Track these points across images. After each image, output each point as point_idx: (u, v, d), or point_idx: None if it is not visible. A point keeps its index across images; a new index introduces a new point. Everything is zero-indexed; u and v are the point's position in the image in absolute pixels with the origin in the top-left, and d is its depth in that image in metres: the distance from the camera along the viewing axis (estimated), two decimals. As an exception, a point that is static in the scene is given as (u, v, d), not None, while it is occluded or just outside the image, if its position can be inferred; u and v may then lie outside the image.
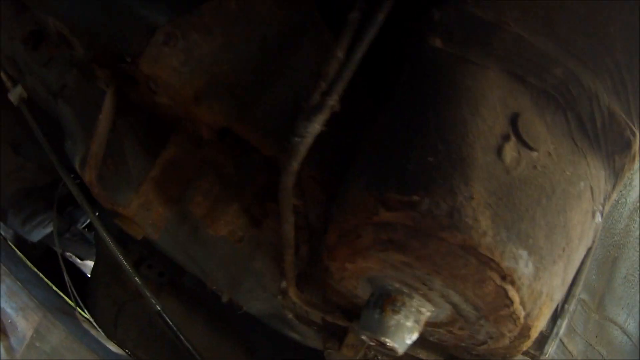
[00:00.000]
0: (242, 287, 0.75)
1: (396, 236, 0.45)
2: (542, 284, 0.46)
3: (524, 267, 0.45)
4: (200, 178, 0.58)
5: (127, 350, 1.02)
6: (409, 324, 0.45)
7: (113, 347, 0.96)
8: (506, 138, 0.47)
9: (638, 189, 0.83)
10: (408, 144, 0.45)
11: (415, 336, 0.46)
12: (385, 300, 0.48)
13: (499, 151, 0.46)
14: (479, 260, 0.43)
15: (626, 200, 0.84)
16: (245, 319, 1.10)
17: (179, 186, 0.63)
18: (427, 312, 0.49)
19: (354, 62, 0.48)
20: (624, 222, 0.85)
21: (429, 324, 0.50)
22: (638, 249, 0.87)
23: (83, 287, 1.16)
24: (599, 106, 0.50)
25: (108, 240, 0.88)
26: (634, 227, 0.86)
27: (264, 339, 1.11)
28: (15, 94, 0.90)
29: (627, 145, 0.52)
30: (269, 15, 0.56)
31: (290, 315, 0.74)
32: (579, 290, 0.65)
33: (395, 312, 0.47)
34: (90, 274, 1.23)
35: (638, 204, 0.83)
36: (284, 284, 0.69)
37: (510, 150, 0.47)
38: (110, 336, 1.03)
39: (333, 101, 0.46)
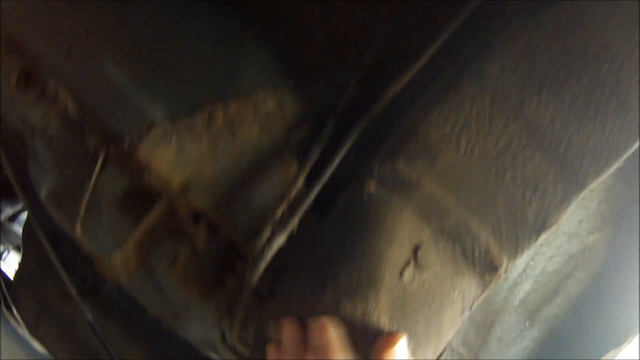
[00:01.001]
0: (182, 320, 1.00)
1: None
2: (417, 357, 0.80)
3: (407, 349, 0.80)
4: (177, 246, 0.84)
5: (47, 350, 1.26)
6: None
7: (37, 346, 1.18)
8: (408, 263, 0.76)
9: (519, 269, 1.21)
10: (341, 263, 0.75)
11: None
12: None
13: (401, 273, 0.76)
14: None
15: (508, 277, 1.21)
16: (157, 331, 1.37)
17: (152, 244, 0.89)
18: None
19: (312, 195, 0.77)
20: (503, 295, 1.21)
21: None
22: (513, 316, 1.26)
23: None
24: (479, 244, 0.81)
25: (44, 239, 1.11)
26: (511, 298, 1.24)
27: (173, 352, 1.38)
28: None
29: (495, 269, 0.83)
30: (248, 136, 0.81)
31: (221, 347, 1.06)
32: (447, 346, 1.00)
33: None
34: (17, 270, 1.43)
35: (517, 281, 1.22)
36: (224, 326, 1.00)
37: (409, 272, 0.77)
38: (31, 333, 1.26)
39: (293, 225, 0.77)
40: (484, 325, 1.22)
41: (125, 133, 0.81)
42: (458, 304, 0.84)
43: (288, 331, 0.75)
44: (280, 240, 0.76)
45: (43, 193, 0.97)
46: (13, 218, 1.91)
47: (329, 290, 0.76)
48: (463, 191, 0.80)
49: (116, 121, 0.82)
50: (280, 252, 0.82)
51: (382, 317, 0.76)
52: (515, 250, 0.85)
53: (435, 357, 0.87)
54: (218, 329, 0.99)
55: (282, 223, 0.76)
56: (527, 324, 1.26)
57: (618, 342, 1.26)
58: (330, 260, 0.78)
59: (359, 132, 0.80)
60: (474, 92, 0.76)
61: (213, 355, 1.11)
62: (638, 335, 1.26)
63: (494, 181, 0.79)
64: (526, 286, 1.23)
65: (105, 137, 0.84)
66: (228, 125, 0.82)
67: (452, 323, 0.85)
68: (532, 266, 1.21)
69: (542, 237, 0.85)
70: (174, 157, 0.81)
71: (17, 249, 2.01)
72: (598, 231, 1.23)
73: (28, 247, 1.38)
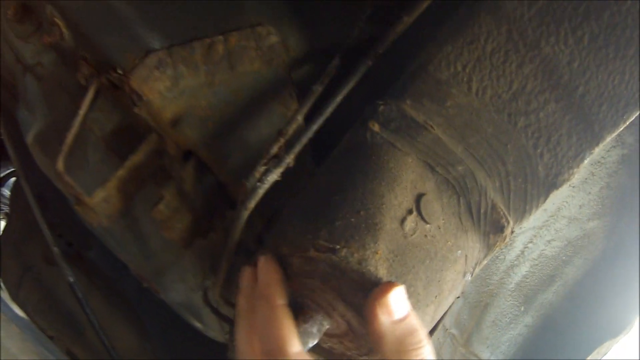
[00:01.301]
0: (164, 278, 0.93)
1: (318, 269, 0.66)
2: (415, 318, 0.72)
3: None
4: (163, 188, 0.77)
5: (26, 315, 1.18)
6: (313, 331, 0.67)
7: (16, 309, 1.10)
8: (410, 212, 0.70)
9: (517, 250, 1.13)
10: (338, 204, 0.67)
11: (315, 341, 0.67)
12: (298, 311, 0.69)
13: (402, 221, 0.69)
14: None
15: (504, 257, 1.14)
16: (141, 301, 1.29)
17: (136, 186, 0.81)
18: (327, 325, 0.69)
19: (311, 131, 0.70)
20: (500, 276, 1.15)
21: (326, 334, 0.71)
22: (508, 299, 1.18)
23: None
24: (485, 198, 0.75)
25: (32, 200, 1.04)
26: (507, 280, 1.17)
27: (156, 323, 1.31)
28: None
29: (501, 229, 0.76)
30: (249, 68, 0.75)
31: (204, 309, 0.97)
32: (441, 324, 0.92)
33: (304, 321, 0.68)
34: (2, 231, 1.36)
35: (514, 262, 1.14)
36: (207, 283, 0.91)
37: (410, 222, 0.70)
38: (13, 297, 1.18)
39: (290, 159, 0.68)
40: (477, 306, 1.14)
41: (119, 61, 0.73)
42: (460, 264, 0.76)
43: (245, 274, 0.68)
44: (275, 176, 0.68)
45: (30, 137, 0.89)
46: (2, 181, 1.83)
47: (322, 233, 0.67)
48: (472, 138, 0.73)
49: (111, 49, 0.75)
50: (272, 196, 0.73)
51: (379, 267, 0.67)
52: (522, 209, 0.78)
53: (432, 323, 0.77)
54: (200, 289, 0.90)
55: (278, 159, 0.68)
56: (522, 309, 1.18)
57: (614, 333, 1.19)
58: (326, 203, 0.69)
59: (365, 69, 0.72)
60: (489, 27, 0.69)
61: (195, 323, 1.02)
62: (637, 328, 1.18)
63: (505, 128, 0.72)
64: (523, 269, 1.16)
65: (98, 67, 0.76)
66: (227, 58, 0.75)
67: (452, 286, 0.76)
68: (530, 248, 1.14)
69: (551, 197, 0.77)
70: (168, 88, 0.74)
71: (7, 216, 1.92)
72: (598, 218, 1.16)
73: (14, 210, 1.31)
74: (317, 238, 0.66)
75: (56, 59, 0.84)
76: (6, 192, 1.85)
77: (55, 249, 1.04)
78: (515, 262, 1.13)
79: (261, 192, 0.67)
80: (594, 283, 1.19)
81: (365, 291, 0.65)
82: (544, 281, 1.17)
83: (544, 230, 1.13)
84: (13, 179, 1.81)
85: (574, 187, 1.13)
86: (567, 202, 1.13)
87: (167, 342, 1.28)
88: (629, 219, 1.18)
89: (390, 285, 0.63)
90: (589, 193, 1.14)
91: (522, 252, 1.13)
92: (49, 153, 0.87)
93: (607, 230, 1.18)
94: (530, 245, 1.13)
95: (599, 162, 1.13)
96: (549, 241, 1.14)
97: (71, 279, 1.06)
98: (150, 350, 1.24)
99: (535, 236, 1.13)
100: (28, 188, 1.03)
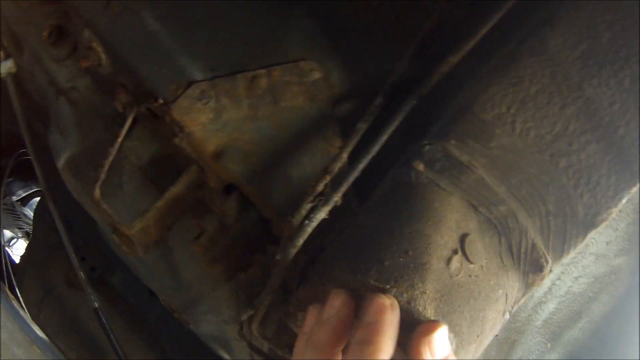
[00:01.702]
0: (197, 309, 0.92)
1: None
2: (459, 356, 0.71)
3: (450, 344, 0.70)
4: (204, 221, 0.77)
5: (47, 336, 1.16)
6: None
7: (38, 331, 1.10)
8: (455, 252, 0.70)
9: (544, 287, 1.13)
10: (386, 244, 0.67)
11: None
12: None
13: (448, 261, 0.69)
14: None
15: (533, 294, 1.13)
16: (163, 329, 1.28)
17: (174, 217, 0.81)
18: None
19: (358, 170, 0.70)
20: (528, 313, 1.14)
21: None
22: (536, 336, 1.17)
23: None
24: (526, 238, 0.75)
25: (59, 222, 1.04)
26: (535, 317, 1.16)
27: (178, 352, 1.29)
28: (4, 67, 1.01)
29: (540, 269, 0.76)
30: (292, 103, 0.76)
31: (235, 342, 0.95)
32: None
33: None
34: (24, 251, 1.36)
35: (542, 299, 1.13)
36: (244, 317, 0.90)
37: (456, 262, 0.70)
38: (33, 318, 1.16)
39: (338, 197, 0.68)
40: (505, 343, 1.13)
41: (161, 91, 0.73)
42: (501, 303, 0.76)
43: (336, 301, 0.65)
44: (322, 214, 0.67)
45: (62, 161, 0.89)
46: (25, 201, 1.82)
47: (372, 273, 0.66)
48: (514, 179, 0.72)
49: (151, 78, 0.75)
50: (315, 233, 0.73)
51: (428, 307, 0.67)
52: (561, 249, 0.77)
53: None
54: (233, 322, 0.89)
55: (324, 196, 0.67)
56: (549, 346, 1.16)
57: (640, 371, 1.16)
58: (373, 242, 0.69)
59: (410, 108, 0.72)
60: (533, 69, 0.69)
61: (223, 355, 1.00)
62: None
63: (547, 169, 0.72)
64: (550, 306, 1.14)
65: (137, 95, 0.76)
66: (271, 92, 0.75)
67: (493, 325, 0.76)
68: (557, 285, 1.13)
69: (589, 236, 0.77)
70: (210, 120, 0.74)
71: (27, 235, 1.91)
72: (625, 254, 1.15)
73: (38, 230, 1.30)
74: (366, 277, 0.66)
75: (91, 84, 0.84)
76: (28, 211, 1.85)
77: (81, 274, 1.03)
78: (543, 299, 1.12)
79: (309, 229, 0.66)
80: (620, 320, 1.18)
81: (412, 331, 0.65)
82: (571, 318, 1.16)
83: (572, 267, 1.12)
84: (36, 198, 1.81)
85: (601, 224, 1.12)
86: (594, 239, 1.12)
87: (187, 370, 1.27)
88: (653, 255, 1.17)
89: (436, 324, 0.63)
90: (616, 230, 1.13)
91: (550, 289, 1.12)
92: (81, 178, 0.87)
93: (633, 267, 1.17)
94: (558, 282, 1.12)
95: (626, 199, 1.12)
96: (576, 278, 1.13)
97: (96, 304, 1.05)
98: (169, 378, 1.23)
99: (563, 273, 1.12)
100: (55, 210, 1.03)
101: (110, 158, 0.78)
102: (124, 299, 1.22)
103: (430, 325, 0.63)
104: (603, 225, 0.77)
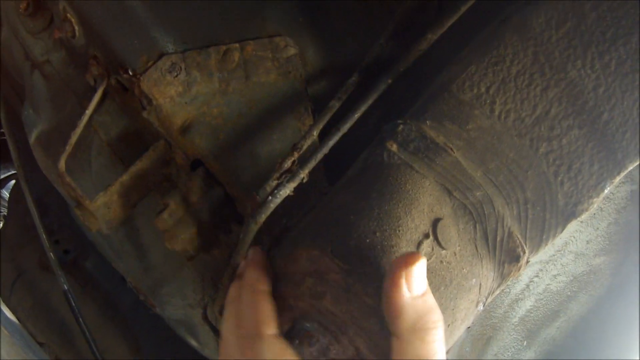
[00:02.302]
0: (162, 291, 0.88)
1: (330, 290, 0.61)
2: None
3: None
4: (168, 197, 0.72)
5: (17, 318, 1.12)
6: (317, 356, 0.60)
7: (7, 313, 1.05)
8: (426, 236, 0.65)
9: (522, 284, 1.08)
10: (353, 224, 0.62)
11: None
12: (304, 334, 0.64)
13: (419, 245, 0.64)
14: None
15: (510, 290, 1.08)
16: (136, 316, 1.23)
17: (139, 194, 0.76)
18: (333, 350, 0.63)
19: (327, 146, 0.65)
20: (504, 309, 1.09)
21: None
22: (512, 333, 1.13)
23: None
24: (502, 226, 0.70)
25: (31, 203, 0.98)
26: (512, 314, 1.11)
27: (150, 339, 1.24)
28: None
29: (517, 259, 0.72)
30: (264, 79, 0.71)
31: (202, 327, 0.90)
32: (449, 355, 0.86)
33: (310, 345, 0.64)
34: None
35: (519, 296, 1.09)
36: (208, 299, 0.85)
37: (427, 246, 0.65)
38: (4, 300, 1.11)
39: (304, 174, 0.63)
40: (480, 339, 1.08)
41: (131, 62, 0.68)
42: (474, 293, 0.71)
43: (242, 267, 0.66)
44: (287, 190, 0.62)
45: (33, 137, 0.84)
46: (2, 183, 1.77)
47: (337, 253, 0.61)
48: (492, 163, 0.68)
49: (123, 49, 0.71)
50: (282, 213, 0.68)
51: None
52: (539, 239, 0.73)
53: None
54: (199, 305, 0.84)
55: (291, 173, 0.63)
56: (525, 344, 1.12)
57: (616, 372, 1.12)
58: (340, 222, 0.64)
59: (385, 86, 0.67)
60: (515, 48, 0.65)
61: (191, 341, 0.95)
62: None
63: (526, 154, 0.68)
64: (527, 303, 1.10)
65: (108, 68, 0.71)
66: (243, 66, 0.70)
67: (465, 315, 0.71)
68: (535, 283, 1.09)
69: (569, 227, 0.72)
70: (179, 93, 0.70)
71: (4, 218, 1.86)
72: (605, 254, 1.11)
73: (12, 213, 1.25)
74: (330, 258, 0.61)
75: (65, 57, 0.80)
76: (5, 194, 1.80)
77: (51, 255, 0.98)
78: (521, 296, 1.08)
79: (272, 206, 0.61)
80: (597, 321, 1.13)
81: (379, 317, 0.60)
82: (548, 316, 1.12)
83: (551, 264, 1.08)
84: (13, 181, 1.75)
85: (582, 222, 1.08)
86: (574, 237, 1.08)
87: (159, 358, 1.21)
88: (635, 256, 1.13)
89: (416, 254, 0.57)
90: (597, 229, 1.09)
91: (528, 285, 1.07)
92: (51, 154, 0.82)
93: (613, 268, 1.13)
94: (536, 279, 1.08)
95: (608, 197, 1.08)
96: (554, 276, 1.09)
97: (65, 287, 1.00)
98: (140, 366, 1.17)
99: (541, 270, 1.07)
100: (28, 191, 0.98)
101: (78, 130, 0.73)
102: (97, 285, 1.17)
103: (409, 258, 0.57)
104: (584, 215, 0.72)
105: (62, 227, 1.17)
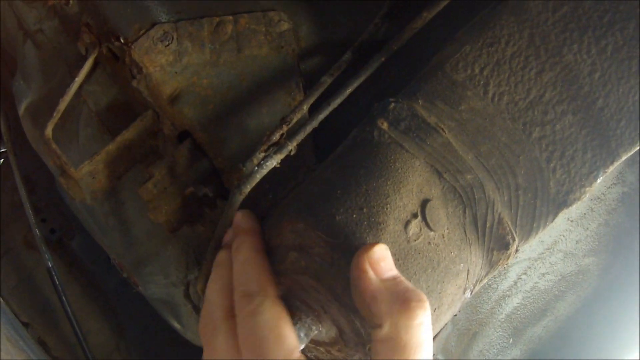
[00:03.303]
0: (145, 269, 0.85)
1: (314, 265, 0.59)
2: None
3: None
4: (153, 167, 0.70)
5: (1, 297, 1.09)
6: (300, 335, 0.58)
7: (7, 313, 1.02)
8: (414, 216, 0.63)
9: (510, 281, 1.06)
10: (340, 199, 0.60)
11: (302, 346, 0.58)
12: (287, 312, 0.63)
13: (406, 224, 0.62)
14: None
15: (497, 287, 1.06)
16: (120, 298, 1.21)
17: (125, 165, 0.74)
18: (315, 329, 0.61)
19: (317, 120, 0.63)
20: (491, 305, 1.07)
21: (313, 341, 0.64)
22: (498, 330, 1.10)
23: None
24: (492, 211, 0.68)
25: (19, 179, 0.96)
26: (498, 310, 1.09)
27: (134, 322, 1.22)
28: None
29: (506, 247, 0.70)
30: (256, 52, 0.69)
31: (187, 306, 0.88)
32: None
33: (293, 324, 0.62)
34: None
35: (506, 293, 1.07)
36: (191, 277, 0.82)
37: (414, 226, 0.63)
38: (-12, 278, 1.09)
39: (292, 146, 0.61)
40: (466, 334, 1.06)
41: (124, 30, 0.66)
42: (462, 279, 0.69)
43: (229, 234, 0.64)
44: (274, 162, 0.60)
45: (22, 108, 0.82)
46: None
47: (321, 227, 0.59)
48: (483, 146, 0.66)
49: (116, 17, 0.69)
50: (269, 188, 0.66)
51: None
52: (530, 227, 0.71)
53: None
54: (182, 284, 0.82)
55: (279, 146, 0.60)
56: (511, 341, 1.10)
57: (601, 374, 1.10)
58: (327, 196, 0.62)
59: (378, 64, 0.65)
60: (511, 29, 0.63)
61: (173, 323, 0.92)
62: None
63: (519, 138, 0.66)
64: (515, 300, 1.08)
65: (100, 36, 0.69)
66: (235, 39, 0.69)
67: (452, 301, 0.69)
68: (523, 280, 1.07)
69: (560, 216, 0.70)
70: (170, 62, 0.68)
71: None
72: (594, 255, 1.09)
73: (1, 188, 1.21)
74: (315, 231, 0.59)
75: (58, 26, 0.77)
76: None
77: (37, 232, 0.96)
78: (508, 293, 1.06)
79: (259, 177, 0.59)
80: (585, 321, 1.11)
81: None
82: (535, 315, 1.09)
83: (539, 262, 1.06)
84: (1, 159, 1.72)
85: (572, 221, 1.06)
86: (564, 236, 1.06)
87: (143, 342, 1.19)
88: (624, 258, 1.11)
89: (375, 242, 0.56)
90: (587, 229, 1.07)
91: (516, 282, 1.05)
92: (39, 125, 0.79)
93: (601, 269, 1.11)
94: (523, 276, 1.06)
95: (598, 198, 1.07)
96: (543, 274, 1.07)
97: (50, 264, 0.97)
98: (124, 349, 1.15)
99: (529, 268, 1.05)
100: (16, 166, 0.95)
101: (67, 98, 0.71)
102: (83, 265, 1.14)
103: (369, 244, 0.56)
104: (575, 205, 0.70)
105: (50, 206, 1.14)
